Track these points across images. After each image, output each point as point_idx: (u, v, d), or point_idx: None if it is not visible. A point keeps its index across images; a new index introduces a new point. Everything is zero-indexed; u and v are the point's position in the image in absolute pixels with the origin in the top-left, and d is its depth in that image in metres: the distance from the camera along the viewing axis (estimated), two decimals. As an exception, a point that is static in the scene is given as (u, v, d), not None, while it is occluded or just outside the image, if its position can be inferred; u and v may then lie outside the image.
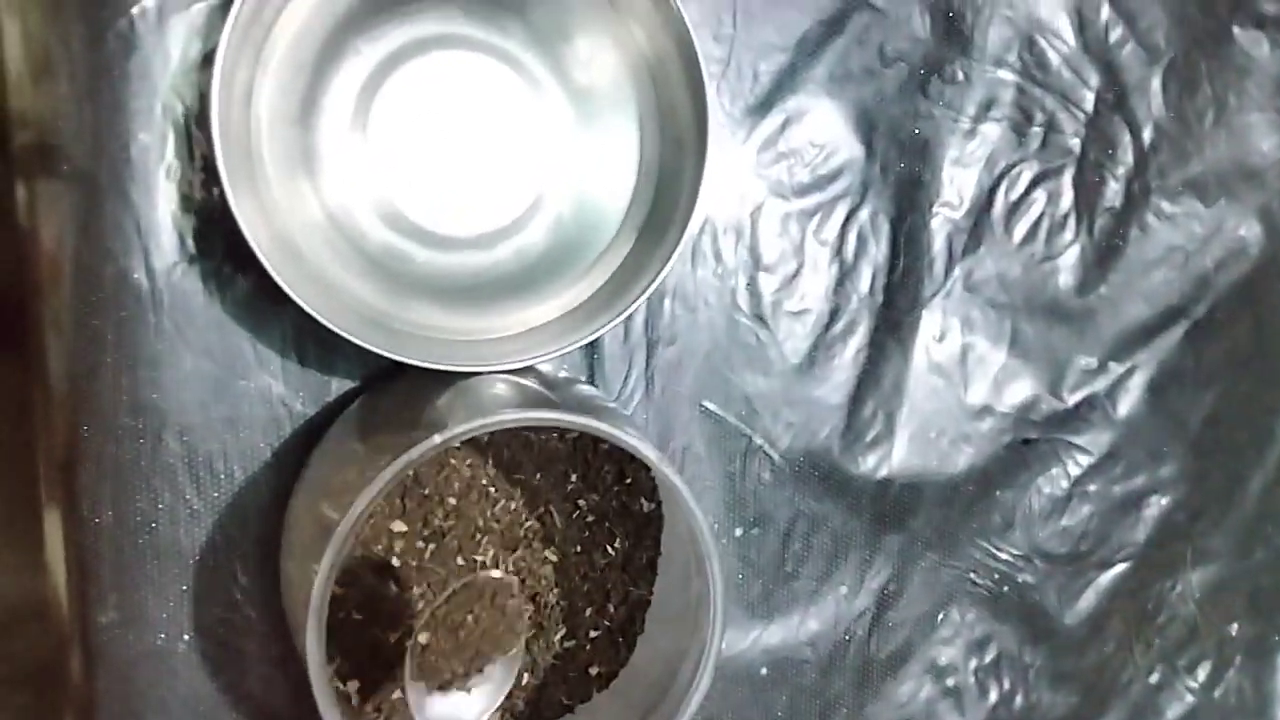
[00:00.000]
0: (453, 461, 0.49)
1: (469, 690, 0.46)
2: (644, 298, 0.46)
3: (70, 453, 0.47)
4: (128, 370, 0.46)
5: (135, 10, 0.45)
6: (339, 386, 0.50)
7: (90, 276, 0.46)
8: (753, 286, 0.55)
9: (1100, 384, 0.61)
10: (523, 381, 0.46)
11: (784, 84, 0.54)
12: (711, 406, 0.55)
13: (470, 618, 0.45)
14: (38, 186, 0.47)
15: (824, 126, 0.55)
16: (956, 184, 0.58)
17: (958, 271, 0.58)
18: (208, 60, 0.44)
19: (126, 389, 0.46)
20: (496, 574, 0.48)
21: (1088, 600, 0.63)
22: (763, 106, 0.54)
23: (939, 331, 0.58)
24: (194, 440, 0.47)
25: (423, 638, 0.44)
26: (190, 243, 0.46)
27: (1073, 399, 0.61)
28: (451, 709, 0.45)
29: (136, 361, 0.46)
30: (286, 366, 0.48)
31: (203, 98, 0.44)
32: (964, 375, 0.59)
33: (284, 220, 0.45)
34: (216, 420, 0.48)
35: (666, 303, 0.54)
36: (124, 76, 0.45)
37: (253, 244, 0.41)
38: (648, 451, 0.42)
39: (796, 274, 0.55)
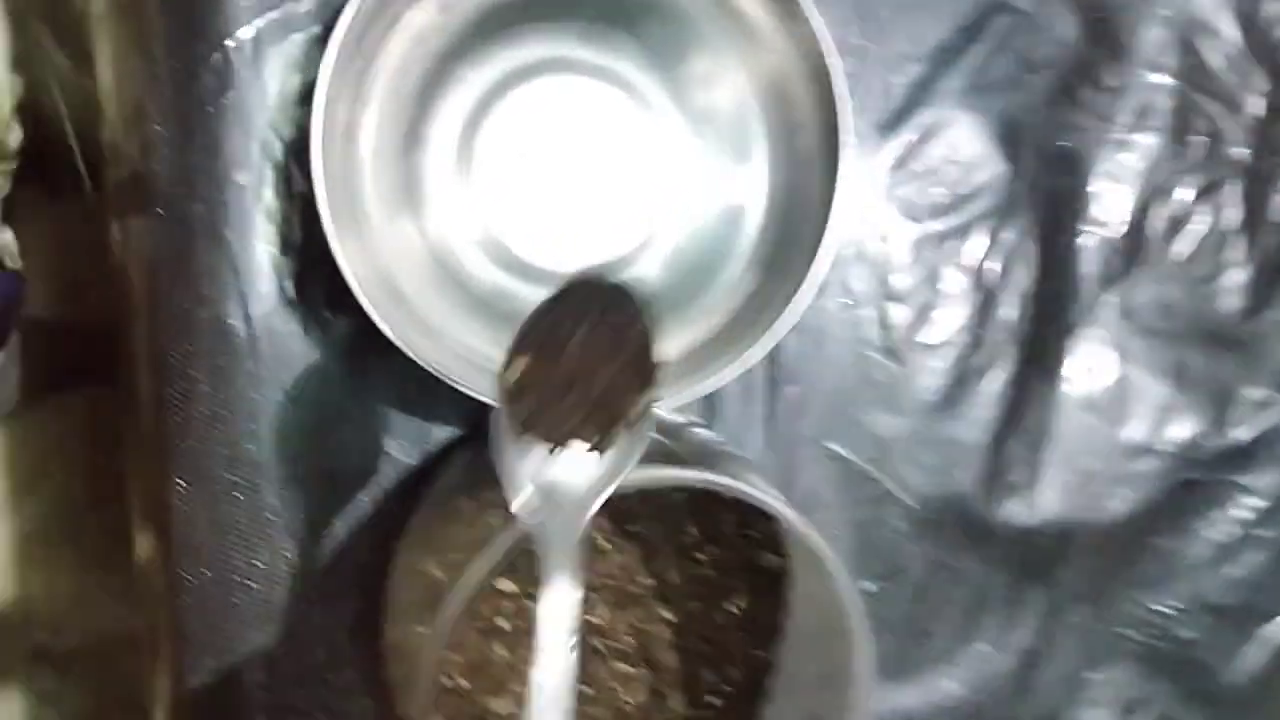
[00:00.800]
0: (564, 515, 0.45)
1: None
2: (773, 341, 0.42)
3: (165, 507, 0.44)
4: (223, 421, 0.44)
5: (230, 43, 0.42)
6: (443, 434, 0.47)
7: (185, 322, 0.44)
8: (883, 318, 0.50)
9: (1272, 418, 0.55)
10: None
11: (918, 97, 0.50)
12: (839, 449, 0.50)
13: (575, 339, 0.32)
14: (131, 226, 0.45)
15: (962, 142, 0.50)
16: (1110, 200, 0.52)
17: (1112, 296, 0.53)
18: (306, 95, 0.42)
19: (222, 441, 0.44)
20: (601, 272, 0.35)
21: (1257, 657, 0.57)
22: (894, 122, 0.50)
23: (1091, 362, 0.53)
24: (292, 494, 0.45)
25: (517, 367, 0.32)
26: (288, 286, 0.44)
27: (1241, 435, 0.55)
28: (557, 469, 0.33)
29: (233, 412, 0.44)
30: (388, 414, 0.46)
31: (302, 134, 0.41)
32: (1119, 410, 0.53)
33: (386, 261, 0.43)
34: (315, 473, 0.45)
35: (790, 337, 0.49)
36: (219, 114, 0.42)
37: (355, 288, 0.39)
38: (783, 510, 0.38)
39: (932, 304, 0.51)
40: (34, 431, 0.76)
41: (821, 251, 0.42)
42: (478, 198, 0.44)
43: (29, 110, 0.62)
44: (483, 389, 0.41)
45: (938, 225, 0.50)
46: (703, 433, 0.48)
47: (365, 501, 0.46)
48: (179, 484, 0.44)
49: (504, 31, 0.43)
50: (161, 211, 0.43)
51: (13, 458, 0.76)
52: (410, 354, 0.40)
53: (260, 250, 0.43)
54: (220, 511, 0.44)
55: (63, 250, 0.70)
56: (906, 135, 0.50)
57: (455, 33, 0.42)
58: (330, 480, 0.45)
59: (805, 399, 0.50)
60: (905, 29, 0.49)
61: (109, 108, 0.45)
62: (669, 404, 0.46)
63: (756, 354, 0.42)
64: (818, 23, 0.41)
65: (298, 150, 0.43)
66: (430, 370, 0.40)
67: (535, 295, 0.45)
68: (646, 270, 0.47)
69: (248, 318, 0.44)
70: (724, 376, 0.42)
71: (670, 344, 0.45)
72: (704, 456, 0.44)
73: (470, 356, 0.44)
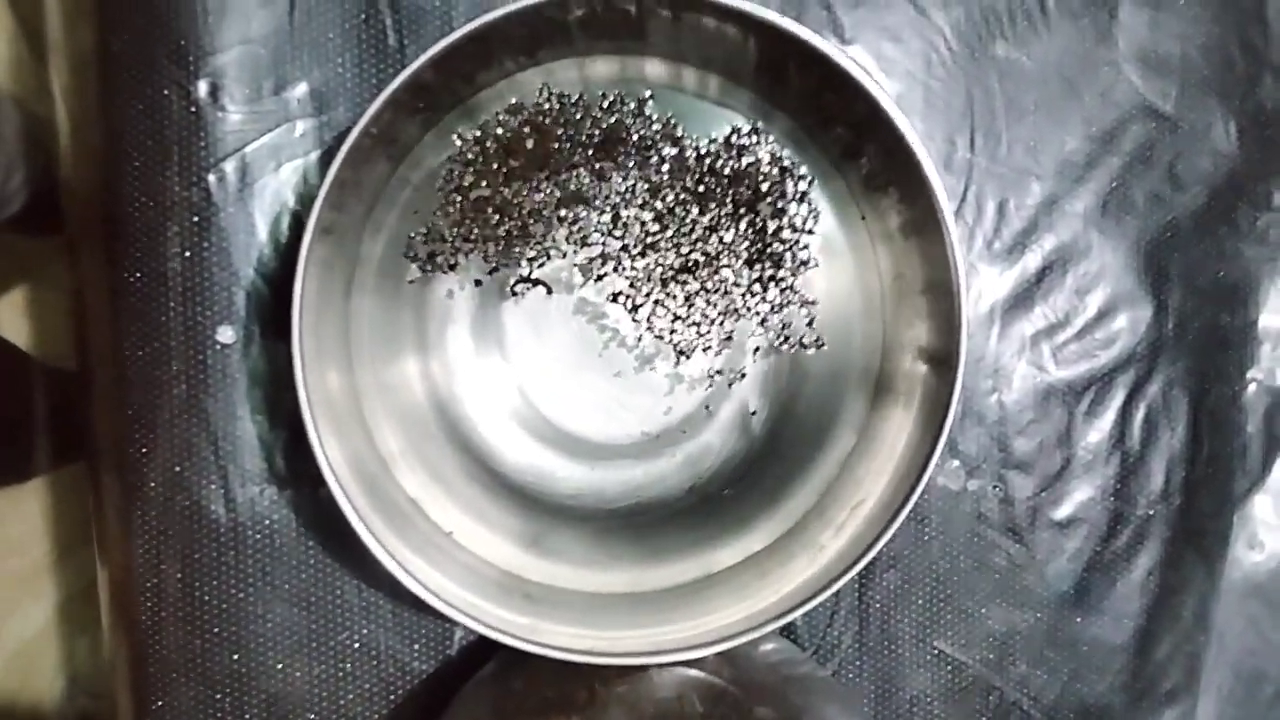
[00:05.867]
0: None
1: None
2: (879, 546, 0.33)
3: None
4: (199, 628, 0.36)
5: (211, 176, 0.35)
6: (464, 636, 0.38)
7: (156, 509, 0.36)
8: (1003, 489, 0.41)
9: None
10: (692, 672, 0.34)
11: (1040, 221, 0.41)
12: (947, 649, 0.41)
13: None
14: (99, 393, 0.38)
15: (1096, 274, 0.41)
16: (1277, 343, 0.43)
17: (1281, 459, 0.43)
18: (300, 225, 0.34)
19: (199, 652, 0.36)
20: None
21: None
22: (1012, 251, 0.41)
23: (1258, 540, 0.43)
24: (284, 710, 0.37)
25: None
26: (280, 462, 0.36)
27: None
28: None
29: (211, 615, 0.36)
30: (398, 614, 0.38)
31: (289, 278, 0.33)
32: (1293, 598, 0.43)
33: (389, 441, 0.35)
34: (311, 684, 0.37)
35: (886, 512, 0.40)
36: (197, 259, 0.35)
37: (346, 508, 0.31)
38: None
39: (1062, 472, 0.41)
40: (73, 494, 0.74)
41: (947, 423, 0.33)
42: (504, 351, 0.36)
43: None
44: (499, 622, 0.33)
45: (1068, 375, 0.41)
46: (777, 649, 0.39)
47: (372, 718, 0.38)
48: (152, 704, 0.36)
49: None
50: (130, 376, 0.36)
51: (53, 521, 0.74)
52: (410, 585, 0.32)
53: (246, 420, 0.36)
54: (194, 736, 0.37)
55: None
56: (1026, 267, 0.41)
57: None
58: (330, 691, 0.37)
59: (906, 588, 0.41)
60: (1025, 139, 0.40)
61: (80, 255, 0.38)
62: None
63: (854, 570, 0.33)
64: (913, 138, 0.32)
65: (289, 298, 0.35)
66: (438, 607, 0.32)
67: (569, 472, 0.38)
68: (709, 438, 0.38)
69: (231, 502, 0.36)
70: (813, 600, 0.33)
71: (744, 537, 0.37)
72: (771, 688, 0.35)
73: (490, 563, 0.36)
